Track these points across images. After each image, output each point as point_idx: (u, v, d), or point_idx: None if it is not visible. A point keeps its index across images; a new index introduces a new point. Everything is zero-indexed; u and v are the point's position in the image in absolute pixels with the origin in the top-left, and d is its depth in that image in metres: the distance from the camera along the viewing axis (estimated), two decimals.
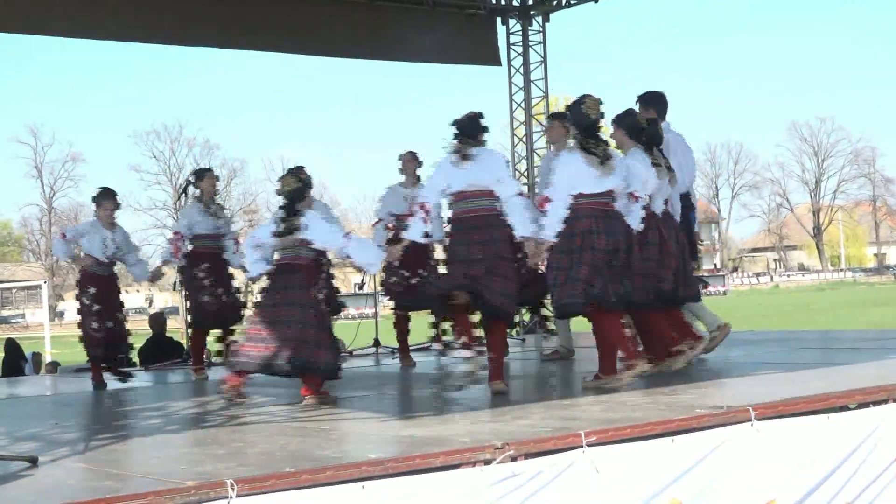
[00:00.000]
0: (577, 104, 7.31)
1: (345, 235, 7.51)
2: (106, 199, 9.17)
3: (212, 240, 9.59)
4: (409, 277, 9.71)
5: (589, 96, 7.29)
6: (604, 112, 7.31)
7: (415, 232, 7.41)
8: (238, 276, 9.86)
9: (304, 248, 7.29)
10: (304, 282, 7.25)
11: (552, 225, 7.13)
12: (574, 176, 7.14)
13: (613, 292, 7.15)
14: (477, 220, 7.22)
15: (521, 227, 7.19)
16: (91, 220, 9.23)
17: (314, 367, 7.23)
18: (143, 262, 9.67)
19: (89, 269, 8.98)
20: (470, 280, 7.17)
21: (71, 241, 9.16)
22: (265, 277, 7.44)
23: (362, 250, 7.44)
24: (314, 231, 7.29)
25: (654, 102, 8.59)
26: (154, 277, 9.70)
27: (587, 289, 7.09)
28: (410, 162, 9.96)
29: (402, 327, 10.22)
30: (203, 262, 9.55)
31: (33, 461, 5.00)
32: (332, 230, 7.57)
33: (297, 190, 7.40)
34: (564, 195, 7.15)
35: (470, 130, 7.39)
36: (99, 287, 8.94)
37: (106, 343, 8.96)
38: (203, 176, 9.87)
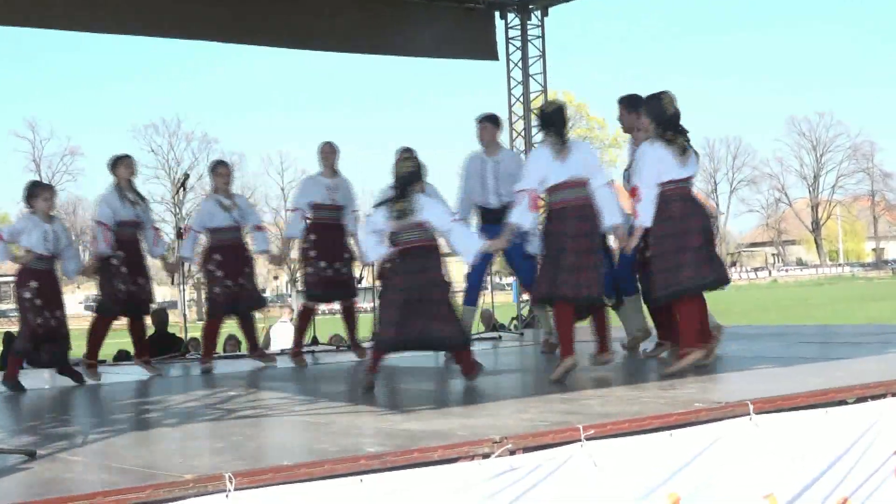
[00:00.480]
0: (656, 99, 7.79)
1: (452, 219, 7.68)
2: (43, 190, 8.93)
3: (231, 232, 9.64)
4: (325, 269, 9.72)
5: (665, 93, 7.78)
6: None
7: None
8: (260, 264, 9.90)
9: (420, 229, 7.43)
10: (426, 263, 7.45)
11: (647, 212, 7.62)
12: (661, 165, 7.60)
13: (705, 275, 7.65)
14: (577, 210, 7.59)
15: (612, 215, 7.68)
16: (27, 215, 8.88)
17: (447, 343, 7.61)
18: (79, 257, 9.34)
19: (30, 265, 8.68)
20: (568, 279, 7.51)
21: (10, 242, 8.80)
22: (383, 262, 8.01)
23: (465, 237, 7.64)
24: (430, 212, 7.49)
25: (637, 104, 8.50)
26: (86, 272, 9.33)
27: (696, 272, 7.57)
28: (330, 153, 9.99)
29: (305, 321, 10.22)
30: (216, 254, 9.58)
31: (31, 455, 5.00)
32: (444, 212, 7.75)
33: (413, 172, 7.57)
34: (653, 183, 7.61)
35: (562, 123, 7.79)
36: (41, 282, 8.65)
37: (45, 338, 8.64)
38: (215, 168, 9.97)
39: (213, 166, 10.08)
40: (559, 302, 7.67)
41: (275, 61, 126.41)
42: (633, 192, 7.74)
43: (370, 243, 7.59)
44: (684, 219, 7.61)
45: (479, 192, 9.80)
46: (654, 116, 7.77)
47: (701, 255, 7.63)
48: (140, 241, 9.44)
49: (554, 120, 7.77)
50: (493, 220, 9.53)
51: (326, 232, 9.82)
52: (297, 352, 10.03)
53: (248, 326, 10.03)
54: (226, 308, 9.65)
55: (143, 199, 9.60)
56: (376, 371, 7.43)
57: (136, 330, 9.60)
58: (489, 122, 9.82)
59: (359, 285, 10.24)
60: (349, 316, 10.31)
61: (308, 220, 9.84)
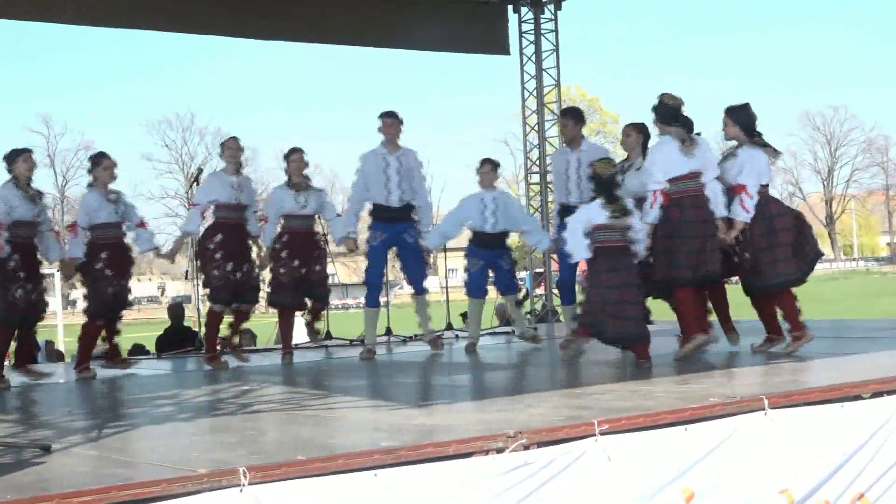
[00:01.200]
0: (744, 109, 8.44)
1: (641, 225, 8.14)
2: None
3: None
4: (233, 272, 9.33)
5: (747, 104, 8.48)
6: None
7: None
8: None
9: (624, 230, 7.98)
10: (629, 262, 8.02)
11: (752, 209, 8.19)
12: (763, 168, 8.26)
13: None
14: (694, 200, 8.16)
15: (719, 207, 8.22)
16: None
17: (641, 338, 8.06)
18: None
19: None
20: (686, 262, 8.13)
21: None
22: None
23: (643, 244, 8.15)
24: (635, 216, 8.06)
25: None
26: None
27: (785, 268, 8.27)
28: (236, 150, 9.56)
29: (215, 327, 9.74)
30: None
31: (46, 448, 5.01)
32: (638, 217, 8.15)
33: (615, 175, 8.17)
34: (757, 183, 8.21)
35: (684, 117, 8.31)
36: None
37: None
38: (101, 162, 9.14)
39: (93, 161, 9.18)
40: (680, 286, 8.22)
41: (289, 56, 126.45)
42: (740, 189, 8.21)
43: (580, 241, 8.05)
44: (777, 218, 8.30)
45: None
46: (743, 123, 8.37)
47: (791, 251, 8.31)
48: (37, 243, 8.73)
49: (679, 114, 8.28)
50: None
51: (232, 233, 9.41)
52: (212, 356, 9.48)
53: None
54: (226, 300, 9.47)
55: (41, 197, 8.84)
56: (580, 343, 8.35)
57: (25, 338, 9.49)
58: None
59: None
60: (241, 319, 9.90)
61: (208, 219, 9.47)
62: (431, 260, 10.59)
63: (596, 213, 7.98)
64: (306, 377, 8.81)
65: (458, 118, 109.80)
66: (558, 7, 15.96)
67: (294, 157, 9.76)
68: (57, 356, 14.85)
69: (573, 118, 9.97)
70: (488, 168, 9.94)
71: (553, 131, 16.18)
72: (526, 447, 4.93)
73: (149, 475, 4.28)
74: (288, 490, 4.31)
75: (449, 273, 16.09)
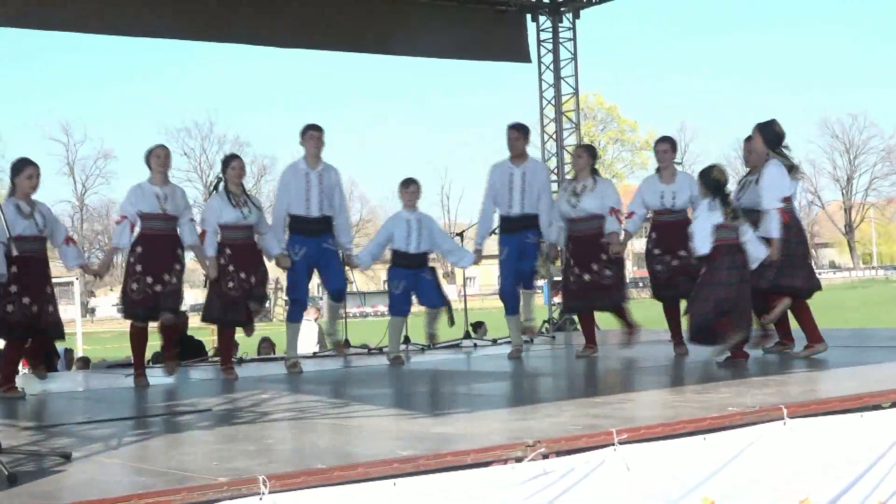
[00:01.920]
0: (771, 126, 8.83)
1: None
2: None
3: (160, 220, 8.89)
4: (153, 284, 8.82)
5: (775, 120, 8.88)
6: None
7: (777, 230, 8.56)
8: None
9: (735, 231, 8.48)
10: (743, 261, 8.48)
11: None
12: (786, 182, 8.67)
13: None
14: (793, 219, 8.79)
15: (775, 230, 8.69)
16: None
17: (747, 337, 8.57)
18: None
19: None
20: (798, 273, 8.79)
21: None
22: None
23: (757, 245, 8.55)
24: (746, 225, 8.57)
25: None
26: None
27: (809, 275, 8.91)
28: (165, 159, 9.06)
29: (142, 343, 9.21)
30: (139, 246, 8.89)
31: (66, 457, 5.04)
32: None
33: (727, 179, 8.70)
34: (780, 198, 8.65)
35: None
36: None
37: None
38: (24, 170, 8.39)
39: (15, 167, 8.43)
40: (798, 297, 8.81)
41: (305, 60, 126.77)
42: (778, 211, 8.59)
43: (706, 237, 8.48)
44: (793, 232, 8.75)
45: (504, 201, 9.95)
46: (770, 139, 8.78)
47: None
48: (44, 257, 8.62)
49: (782, 140, 8.81)
50: (513, 228, 9.87)
51: (155, 243, 8.86)
52: (139, 374, 8.97)
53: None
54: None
55: (41, 213, 8.41)
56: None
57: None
58: (518, 131, 9.95)
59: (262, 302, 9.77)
60: (171, 333, 9.31)
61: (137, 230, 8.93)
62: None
63: (716, 213, 8.49)
64: (325, 386, 8.81)
65: (475, 125, 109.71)
66: (576, 16, 15.98)
67: (234, 165, 9.37)
68: (83, 363, 14.91)
69: (524, 133, 10.10)
70: (414, 189, 10.08)
71: (572, 139, 16.19)
72: (545, 456, 4.93)
73: (169, 484, 4.30)
74: (307, 499, 4.32)
75: (467, 282, 16.09)
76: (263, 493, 4.20)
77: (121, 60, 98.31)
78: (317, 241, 9.62)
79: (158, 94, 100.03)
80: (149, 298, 8.79)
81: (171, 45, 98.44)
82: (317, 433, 5.93)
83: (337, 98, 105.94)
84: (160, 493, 4.12)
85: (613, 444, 5.10)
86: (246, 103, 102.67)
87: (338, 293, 10.01)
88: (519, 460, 4.87)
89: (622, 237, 9.59)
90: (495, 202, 10.07)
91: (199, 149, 74.27)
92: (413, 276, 10.02)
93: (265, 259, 9.49)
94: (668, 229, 9.46)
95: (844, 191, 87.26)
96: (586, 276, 9.58)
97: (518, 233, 9.84)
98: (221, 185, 9.37)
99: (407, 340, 11.94)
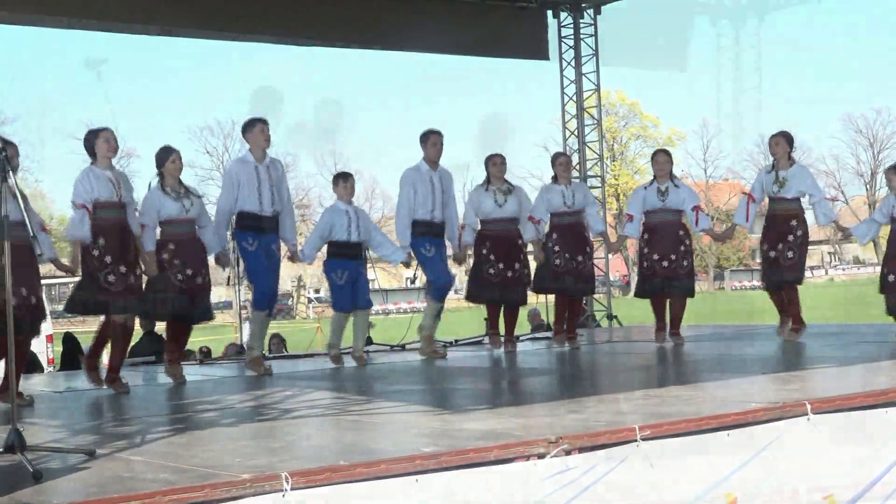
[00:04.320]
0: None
1: None
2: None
3: (116, 209, 8.30)
4: (126, 276, 8.30)
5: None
6: None
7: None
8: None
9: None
10: None
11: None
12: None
13: None
14: None
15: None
16: None
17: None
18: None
19: None
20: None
21: None
22: None
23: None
24: None
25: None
26: None
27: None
28: (113, 141, 8.40)
29: (125, 341, 8.87)
30: (101, 237, 8.30)
31: (91, 454, 5.06)
32: None
33: None
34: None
35: None
36: None
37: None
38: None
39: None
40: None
41: (325, 57, 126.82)
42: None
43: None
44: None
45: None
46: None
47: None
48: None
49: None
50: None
51: (115, 233, 8.30)
52: (114, 377, 8.43)
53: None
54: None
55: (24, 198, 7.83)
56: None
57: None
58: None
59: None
60: (124, 333, 8.65)
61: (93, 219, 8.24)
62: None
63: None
64: (348, 382, 8.83)
65: (497, 123, 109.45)
66: (598, 11, 15.95)
67: (173, 158, 8.87)
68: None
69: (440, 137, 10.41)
70: (352, 182, 10.13)
71: (593, 135, 16.17)
72: (567, 452, 4.93)
73: (192, 480, 4.31)
74: (330, 495, 4.33)
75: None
76: (286, 490, 4.22)
77: (141, 59, 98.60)
78: (267, 239, 9.35)
79: (181, 94, 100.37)
80: (130, 290, 8.29)
81: (192, 45, 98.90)
82: (340, 429, 5.94)
83: (358, 96, 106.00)
84: (184, 490, 4.14)
85: (636, 441, 5.10)
86: (268, 102, 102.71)
87: (273, 299, 9.69)
88: (541, 457, 4.87)
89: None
90: (421, 205, 10.27)
91: (222, 147, 74.35)
92: (355, 269, 9.94)
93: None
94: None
95: (868, 186, 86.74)
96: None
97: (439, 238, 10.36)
98: (157, 180, 8.90)
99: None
